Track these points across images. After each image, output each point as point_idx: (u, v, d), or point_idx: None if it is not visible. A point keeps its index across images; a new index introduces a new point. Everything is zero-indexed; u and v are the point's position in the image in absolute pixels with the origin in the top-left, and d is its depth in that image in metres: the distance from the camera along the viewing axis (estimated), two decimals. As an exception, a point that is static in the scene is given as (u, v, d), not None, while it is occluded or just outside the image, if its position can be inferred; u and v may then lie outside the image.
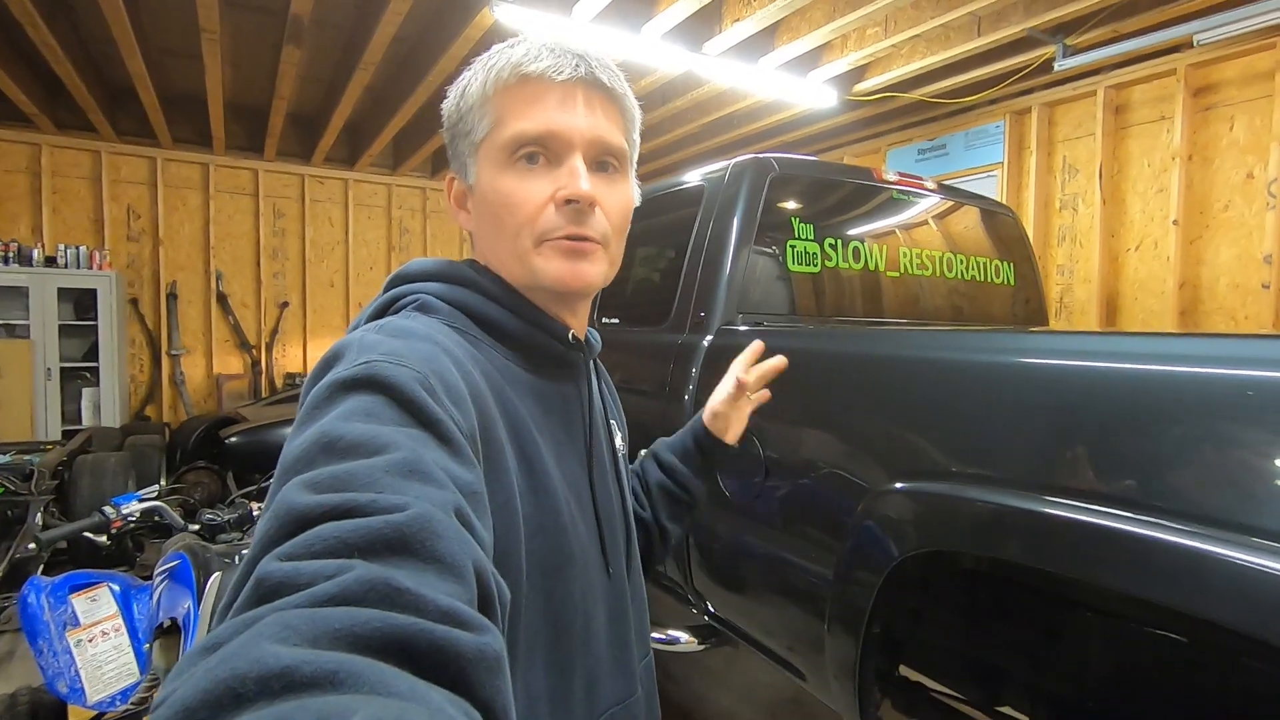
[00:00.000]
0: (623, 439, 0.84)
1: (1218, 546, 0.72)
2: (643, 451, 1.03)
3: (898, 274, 2.01)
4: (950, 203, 2.24)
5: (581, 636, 0.64)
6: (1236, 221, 3.52)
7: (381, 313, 0.65)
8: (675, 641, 1.75)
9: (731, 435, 0.97)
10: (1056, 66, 3.65)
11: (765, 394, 1.00)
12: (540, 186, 0.62)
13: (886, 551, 1.10)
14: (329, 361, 0.52)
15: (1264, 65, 3.40)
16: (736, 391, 0.96)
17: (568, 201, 0.62)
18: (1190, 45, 3.40)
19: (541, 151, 0.62)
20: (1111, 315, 4.01)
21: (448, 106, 0.67)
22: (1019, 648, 1.08)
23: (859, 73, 4.27)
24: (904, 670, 1.19)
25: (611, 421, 0.81)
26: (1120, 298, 4.00)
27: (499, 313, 0.65)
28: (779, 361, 0.99)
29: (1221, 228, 3.59)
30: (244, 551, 1.46)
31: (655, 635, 1.77)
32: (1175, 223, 3.68)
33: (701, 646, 1.73)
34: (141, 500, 1.51)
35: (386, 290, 0.67)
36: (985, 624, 1.12)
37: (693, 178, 1.98)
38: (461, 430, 0.49)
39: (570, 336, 0.69)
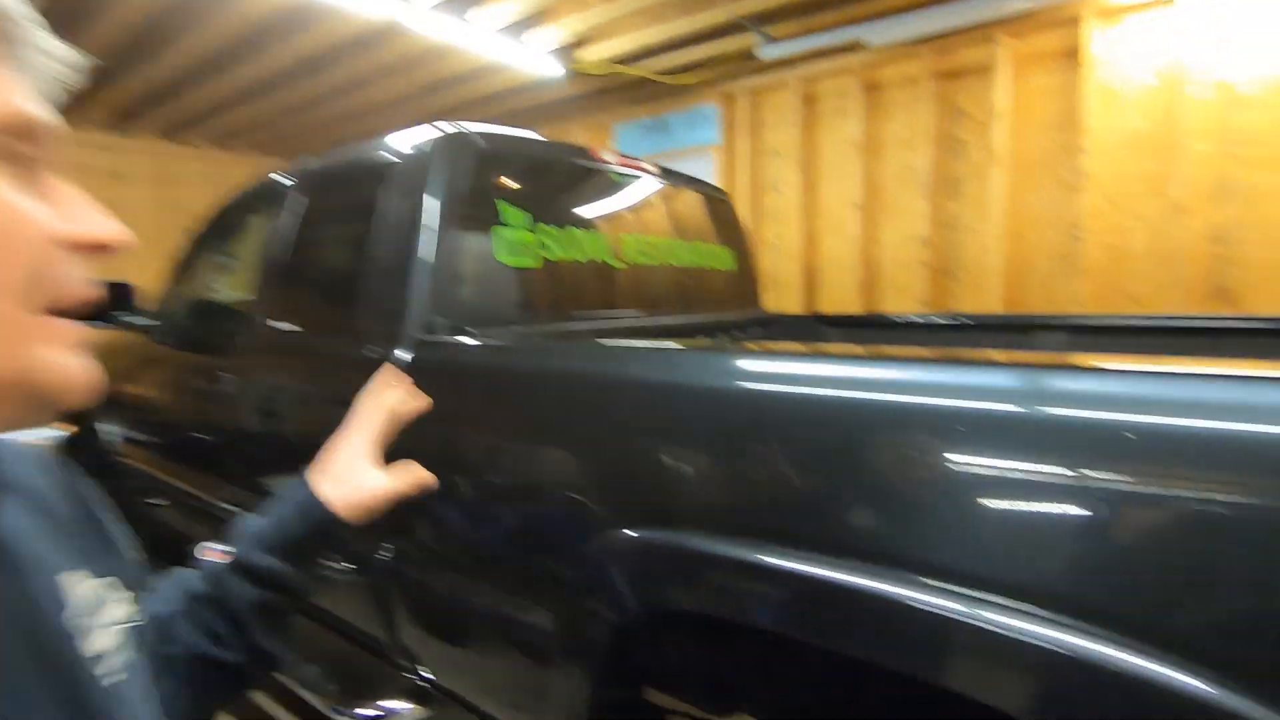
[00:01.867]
0: None
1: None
2: (187, 569, 0.71)
3: (618, 261, 1.86)
4: (670, 186, 2.16)
5: None
6: (902, 207, 4.08)
7: None
8: (394, 714, 1.44)
9: (359, 502, 0.78)
10: (759, 55, 3.86)
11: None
12: None
13: (611, 609, 0.93)
14: None
15: (914, 70, 3.93)
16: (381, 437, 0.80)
17: None
18: (864, 47, 3.80)
19: None
20: (812, 289, 4.45)
21: None
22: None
23: (581, 45, 4.12)
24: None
25: None
26: (819, 273, 4.45)
27: None
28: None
29: (889, 212, 4.13)
30: None
31: (363, 713, 1.45)
32: (858, 206, 4.16)
33: (427, 712, 1.44)
34: None
35: None
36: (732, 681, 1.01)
37: (377, 149, 1.62)
38: None
39: None
